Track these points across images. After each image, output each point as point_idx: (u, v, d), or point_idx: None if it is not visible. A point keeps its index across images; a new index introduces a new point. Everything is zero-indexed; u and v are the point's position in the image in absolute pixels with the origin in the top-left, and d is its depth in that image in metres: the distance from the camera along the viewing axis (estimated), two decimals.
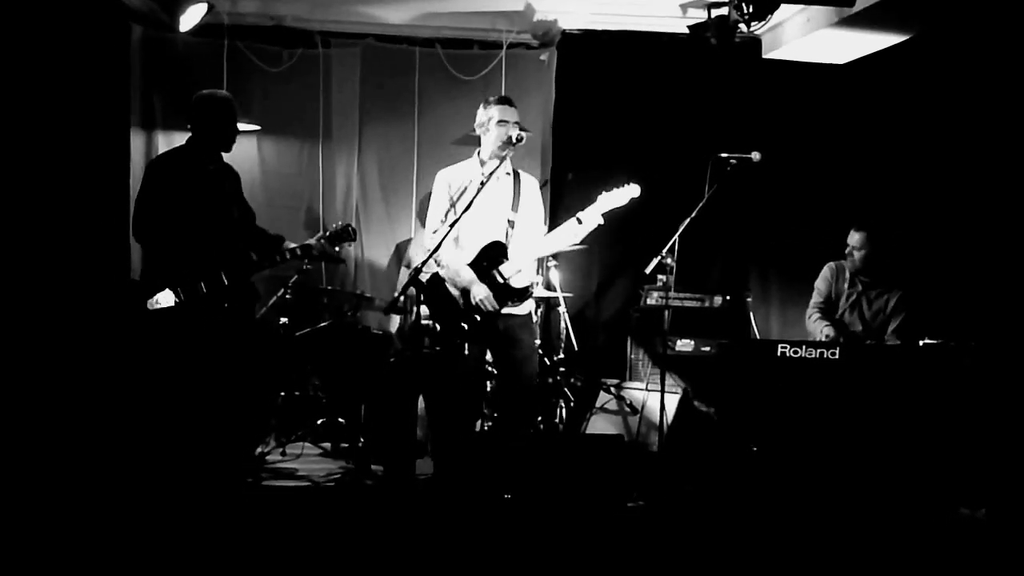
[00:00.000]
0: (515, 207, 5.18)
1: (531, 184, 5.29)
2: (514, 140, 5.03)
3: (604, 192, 5.03)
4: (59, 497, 4.86)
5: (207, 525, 4.64)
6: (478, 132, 5.20)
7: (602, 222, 5.02)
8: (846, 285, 6.37)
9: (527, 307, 5.25)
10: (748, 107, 7.34)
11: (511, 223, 5.17)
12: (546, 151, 7.62)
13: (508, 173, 5.19)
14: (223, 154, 5.36)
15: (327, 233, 5.47)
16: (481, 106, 5.19)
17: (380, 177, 7.61)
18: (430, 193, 5.35)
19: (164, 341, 5.09)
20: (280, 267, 6.10)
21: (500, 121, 5.09)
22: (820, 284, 6.46)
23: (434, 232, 5.07)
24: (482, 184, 4.90)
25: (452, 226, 4.86)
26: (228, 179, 5.40)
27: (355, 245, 7.53)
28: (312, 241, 5.44)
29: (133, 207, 5.20)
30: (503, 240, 5.12)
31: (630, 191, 5.05)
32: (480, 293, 4.98)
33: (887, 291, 6.31)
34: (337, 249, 5.49)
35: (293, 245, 5.42)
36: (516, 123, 5.12)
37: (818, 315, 6.34)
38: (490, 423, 6.13)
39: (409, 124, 7.57)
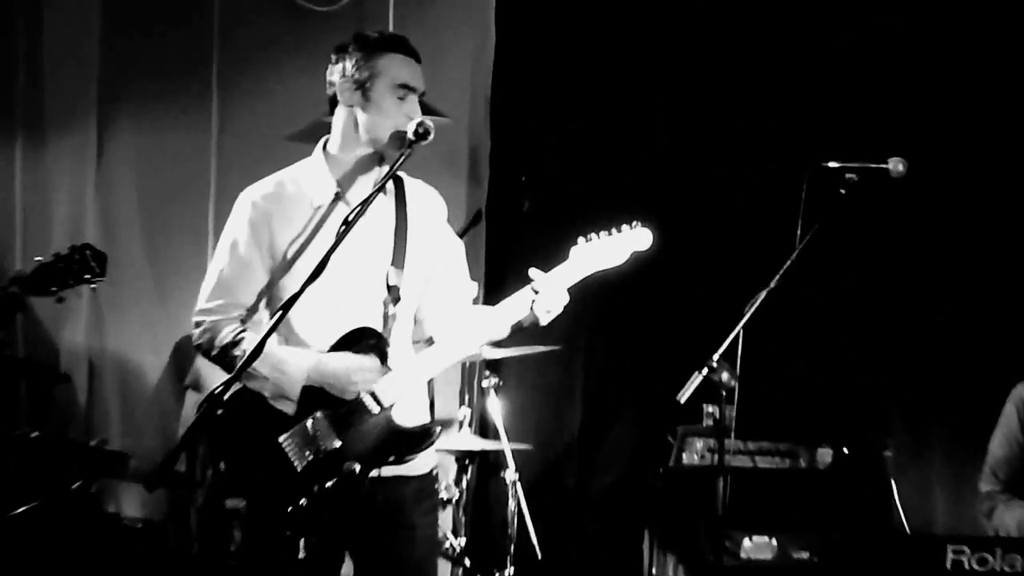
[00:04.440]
0: (398, 258, 3.38)
1: (429, 202, 3.58)
2: (411, 136, 3.23)
3: (582, 240, 3.35)
4: None
5: None
6: (343, 103, 3.34)
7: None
8: None
9: (427, 462, 3.51)
10: (868, 59, 5.32)
11: (392, 291, 3.35)
12: (478, 155, 5.68)
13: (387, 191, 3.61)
14: None
15: (34, 267, 4.28)
16: (350, 47, 3.35)
17: (139, 199, 5.52)
18: None
19: None
20: None
21: (399, 85, 3.31)
22: (1002, 435, 4.69)
23: (215, 303, 3.30)
24: (348, 224, 3.05)
25: (287, 309, 3.02)
26: None
27: (87, 339, 5.45)
28: None
29: None
30: (375, 327, 3.39)
31: (636, 238, 3.32)
32: (353, 372, 3.26)
33: None
34: (61, 296, 4.25)
35: None
36: (423, 93, 3.45)
37: (1004, 497, 4.69)
38: None
39: (203, 101, 5.49)
